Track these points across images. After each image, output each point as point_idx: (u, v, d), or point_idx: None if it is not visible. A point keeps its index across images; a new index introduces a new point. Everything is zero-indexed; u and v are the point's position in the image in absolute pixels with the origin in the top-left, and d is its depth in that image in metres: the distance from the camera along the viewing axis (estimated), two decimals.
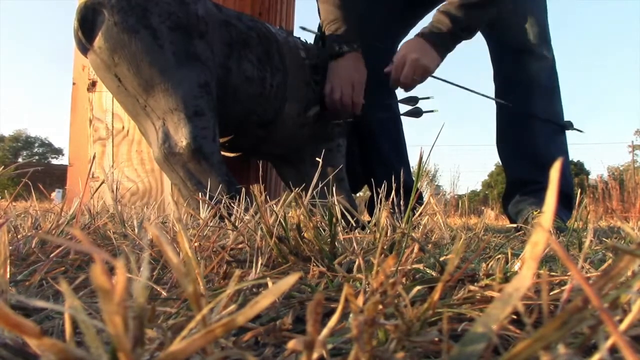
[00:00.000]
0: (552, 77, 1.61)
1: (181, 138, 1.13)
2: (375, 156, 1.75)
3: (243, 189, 0.86)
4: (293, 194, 0.62)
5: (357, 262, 0.46)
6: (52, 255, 0.51)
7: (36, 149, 29.31)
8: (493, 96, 1.66)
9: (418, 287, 0.36)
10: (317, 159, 0.77)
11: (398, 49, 1.50)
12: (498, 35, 1.63)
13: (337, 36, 1.50)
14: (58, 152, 29.19)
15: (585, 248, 0.39)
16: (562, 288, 0.38)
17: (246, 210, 0.76)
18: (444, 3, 1.46)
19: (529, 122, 1.59)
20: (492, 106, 1.68)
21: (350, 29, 1.51)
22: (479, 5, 1.43)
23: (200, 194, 1.11)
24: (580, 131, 1.61)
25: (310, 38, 1.65)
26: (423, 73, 1.46)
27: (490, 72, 1.71)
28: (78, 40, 1.16)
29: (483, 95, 1.57)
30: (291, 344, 0.19)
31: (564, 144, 1.64)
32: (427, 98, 1.54)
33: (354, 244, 0.58)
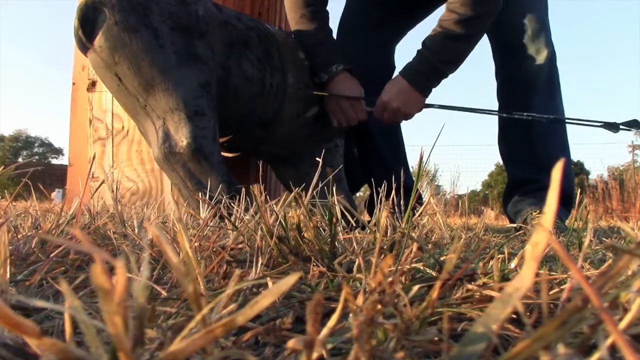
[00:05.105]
0: (552, 72, 1.60)
1: (181, 138, 1.13)
2: (373, 156, 1.76)
3: (243, 189, 0.86)
4: (293, 193, 0.62)
5: (357, 262, 0.46)
6: (52, 255, 0.51)
7: (36, 149, 29.30)
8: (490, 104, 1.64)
9: (417, 287, 0.36)
10: (317, 159, 0.77)
11: (383, 90, 1.47)
12: (498, 32, 1.62)
13: (318, 64, 1.48)
14: (58, 152, 29.18)
15: (585, 248, 0.39)
16: (562, 287, 0.38)
17: (246, 210, 0.77)
18: (429, 34, 1.43)
19: (528, 121, 1.59)
20: (492, 105, 1.68)
21: (329, 51, 1.49)
22: (465, 38, 1.40)
23: (200, 193, 1.11)
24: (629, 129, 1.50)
25: None
26: (404, 118, 1.48)
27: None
28: (78, 39, 1.16)
29: (480, 111, 1.55)
30: (291, 343, 0.19)
31: (564, 142, 1.63)
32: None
33: (354, 244, 0.58)
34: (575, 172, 1.93)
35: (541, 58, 1.57)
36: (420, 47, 1.45)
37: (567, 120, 1.48)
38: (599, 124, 1.39)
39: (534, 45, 1.57)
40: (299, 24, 1.51)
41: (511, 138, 1.66)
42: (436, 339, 0.27)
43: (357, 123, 1.51)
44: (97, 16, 1.13)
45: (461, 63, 1.47)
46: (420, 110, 1.48)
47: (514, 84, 1.62)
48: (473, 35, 1.41)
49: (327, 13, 1.55)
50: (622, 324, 0.22)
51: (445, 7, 1.40)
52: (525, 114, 1.46)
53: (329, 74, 1.46)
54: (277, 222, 0.57)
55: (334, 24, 1.62)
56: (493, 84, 1.71)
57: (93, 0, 1.13)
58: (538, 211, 1.52)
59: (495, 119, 1.70)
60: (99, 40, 1.13)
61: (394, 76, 1.50)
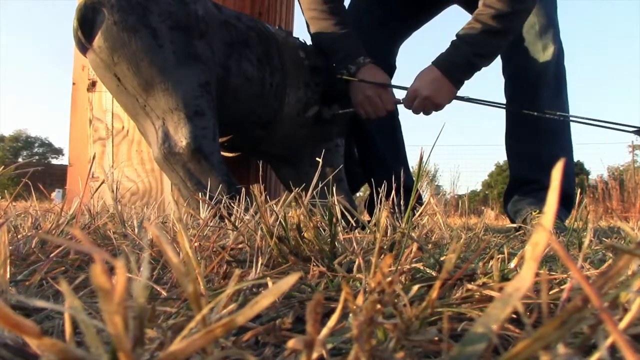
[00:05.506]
0: (559, 69, 1.60)
1: (181, 138, 1.13)
2: (373, 156, 1.75)
3: (243, 189, 0.86)
4: (293, 193, 0.62)
5: (357, 262, 0.46)
6: (52, 255, 0.51)
7: (36, 149, 29.30)
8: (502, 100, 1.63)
9: (417, 287, 0.36)
10: (317, 159, 0.77)
11: (414, 79, 1.46)
12: None
13: (344, 57, 1.47)
14: (58, 152, 29.17)
15: (585, 248, 0.39)
16: (562, 287, 0.38)
17: (246, 210, 0.77)
18: (464, 26, 1.42)
19: (533, 121, 1.59)
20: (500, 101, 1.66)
21: (354, 44, 1.49)
22: (501, 34, 1.39)
23: (200, 194, 1.11)
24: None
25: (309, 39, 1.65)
26: (434, 109, 1.46)
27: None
28: (77, 39, 1.15)
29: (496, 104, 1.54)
30: (291, 343, 0.19)
31: (568, 142, 1.63)
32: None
33: (354, 244, 0.58)
34: (575, 172, 1.92)
35: (548, 54, 1.56)
36: (454, 38, 1.43)
37: (598, 124, 1.44)
38: (632, 129, 1.37)
39: (541, 41, 1.57)
40: (319, 21, 1.50)
41: (517, 136, 1.66)
42: (436, 339, 0.27)
43: (385, 114, 1.50)
44: (96, 16, 1.13)
45: (495, 57, 1.46)
46: (450, 101, 1.46)
47: (521, 79, 1.62)
48: (509, 30, 1.40)
49: (344, 8, 1.54)
50: (622, 324, 0.22)
51: (481, 2, 1.39)
52: (557, 113, 1.45)
53: (357, 65, 1.45)
54: (277, 222, 0.57)
55: None
56: (501, 80, 1.71)
57: (92, 0, 1.13)
58: (538, 211, 1.52)
59: (498, 119, 1.70)
60: (98, 40, 1.13)
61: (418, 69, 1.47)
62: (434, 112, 1.49)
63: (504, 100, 1.67)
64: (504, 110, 1.69)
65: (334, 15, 1.49)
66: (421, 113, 1.49)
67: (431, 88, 1.42)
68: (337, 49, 1.48)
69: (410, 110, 1.48)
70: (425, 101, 1.43)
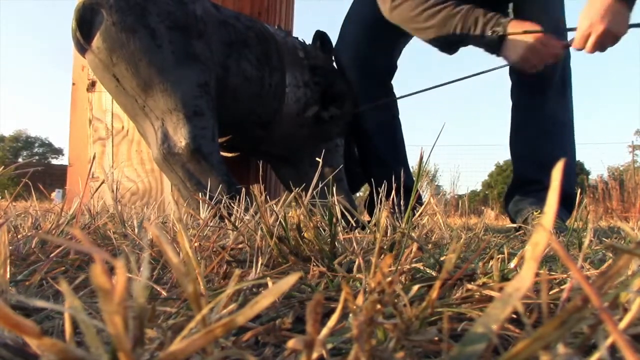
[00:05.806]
0: (565, 71, 1.61)
1: (180, 138, 1.13)
2: (373, 157, 1.75)
3: (243, 189, 0.86)
4: (293, 194, 0.62)
5: (357, 262, 0.46)
6: (52, 255, 0.51)
7: (36, 149, 29.31)
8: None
9: (417, 287, 0.36)
10: (317, 159, 0.77)
11: (579, 18, 1.31)
12: None
13: (485, 25, 1.40)
14: (58, 152, 29.18)
15: (585, 248, 0.39)
16: (562, 287, 0.38)
17: (246, 210, 0.76)
18: None
19: (537, 122, 1.59)
20: (492, 105, 1.67)
21: (484, 12, 1.41)
22: None
23: (200, 194, 1.11)
24: None
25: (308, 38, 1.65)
26: (612, 43, 1.31)
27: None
28: (76, 40, 1.15)
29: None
30: (291, 343, 0.19)
31: (570, 143, 1.63)
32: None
33: (354, 244, 0.58)
34: (576, 173, 1.92)
35: None
36: None
37: None
38: None
39: None
40: (435, 16, 1.46)
41: (520, 136, 1.67)
42: (436, 339, 0.27)
43: (553, 62, 1.41)
44: (95, 17, 1.13)
45: None
46: (627, 30, 1.32)
47: (527, 81, 1.61)
48: None
49: None
50: (622, 324, 0.22)
51: None
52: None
53: (502, 25, 1.39)
54: (277, 222, 0.57)
55: (337, 21, 1.62)
56: (506, 83, 1.71)
57: (91, 1, 1.13)
58: (539, 211, 1.52)
59: (497, 118, 1.70)
60: (96, 41, 1.13)
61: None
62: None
63: (497, 102, 1.67)
64: (505, 111, 1.69)
65: (446, 2, 1.45)
66: (596, 52, 1.34)
67: (607, 19, 1.28)
68: (471, 25, 1.42)
69: (583, 51, 1.34)
70: (603, 35, 1.29)
